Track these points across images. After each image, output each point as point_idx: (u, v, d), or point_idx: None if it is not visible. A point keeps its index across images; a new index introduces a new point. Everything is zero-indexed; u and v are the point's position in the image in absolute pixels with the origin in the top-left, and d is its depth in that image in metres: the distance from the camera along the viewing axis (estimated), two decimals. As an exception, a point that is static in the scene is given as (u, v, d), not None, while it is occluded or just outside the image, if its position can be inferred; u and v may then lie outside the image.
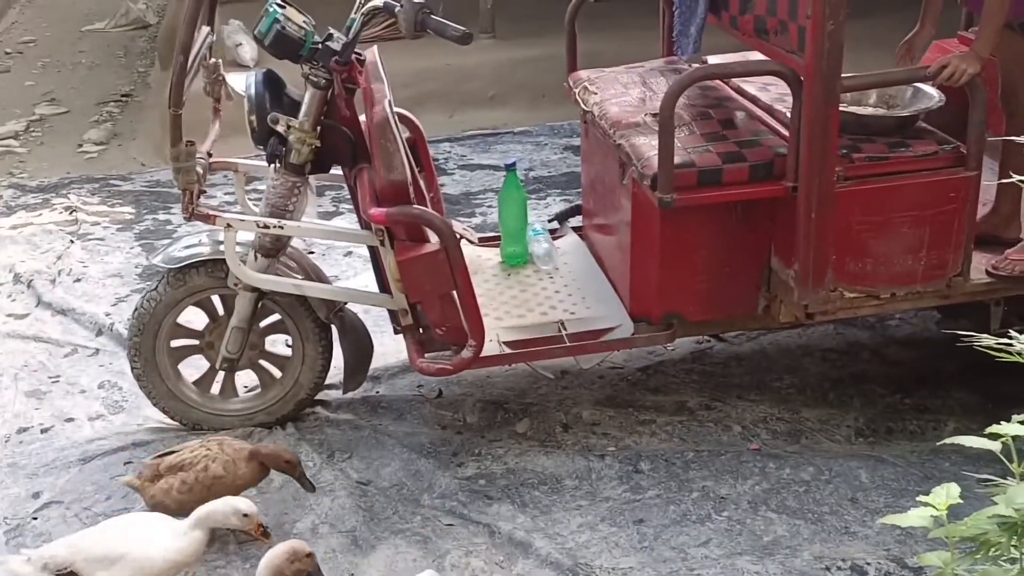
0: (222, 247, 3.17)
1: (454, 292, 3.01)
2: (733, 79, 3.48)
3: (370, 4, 2.98)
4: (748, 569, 2.77)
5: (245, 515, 2.58)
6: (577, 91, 3.60)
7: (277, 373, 3.45)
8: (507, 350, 3.19)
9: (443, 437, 3.36)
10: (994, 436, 1.47)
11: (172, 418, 3.42)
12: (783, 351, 3.82)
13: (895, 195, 2.90)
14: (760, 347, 3.86)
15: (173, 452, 2.91)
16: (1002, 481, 1.48)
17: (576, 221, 3.93)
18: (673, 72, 3.54)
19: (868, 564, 2.76)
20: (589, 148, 3.70)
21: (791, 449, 3.27)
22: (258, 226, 3.10)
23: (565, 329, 3.26)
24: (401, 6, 2.84)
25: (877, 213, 2.91)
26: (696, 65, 3.32)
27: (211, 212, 3.18)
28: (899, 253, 2.94)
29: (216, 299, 3.38)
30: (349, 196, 3.51)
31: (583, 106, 3.54)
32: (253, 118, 3.14)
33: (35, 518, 3.06)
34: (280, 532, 2.88)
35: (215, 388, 3.46)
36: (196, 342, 3.42)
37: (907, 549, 2.80)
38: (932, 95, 3.13)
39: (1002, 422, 1.50)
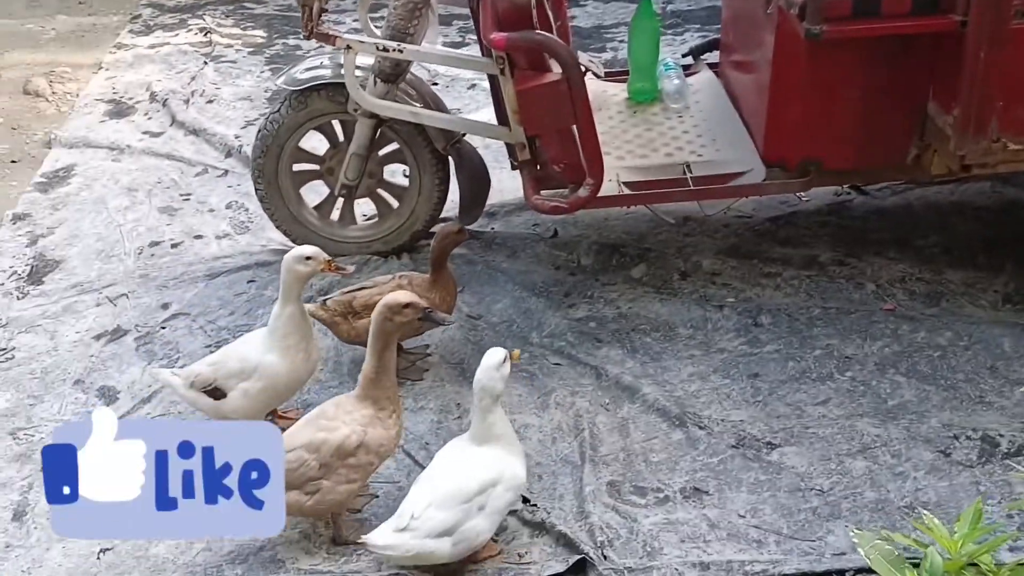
0: (343, 71, 3.09)
1: (574, 127, 2.85)
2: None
3: None
4: (868, 432, 2.64)
5: (308, 258, 2.53)
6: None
7: (394, 203, 3.42)
8: (626, 191, 3.04)
9: (555, 277, 3.29)
10: None
11: (293, 241, 3.44)
12: (930, 207, 3.54)
13: (1081, 34, 2.55)
14: (905, 202, 3.59)
15: (364, 288, 2.82)
16: None
17: (713, 58, 3.67)
18: None
19: (1001, 435, 2.59)
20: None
21: (929, 312, 3.05)
22: (378, 48, 2.99)
23: (691, 172, 3.08)
24: None
25: (1058, 54, 2.56)
26: None
27: (331, 32, 3.09)
28: (1078, 101, 2.61)
29: (337, 125, 3.33)
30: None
31: (730, -74, 3.23)
32: None
33: (163, 327, 3.18)
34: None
35: (335, 214, 3.46)
36: (317, 167, 3.40)
37: (1047, 424, 2.61)
38: None
39: None
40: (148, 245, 3.63)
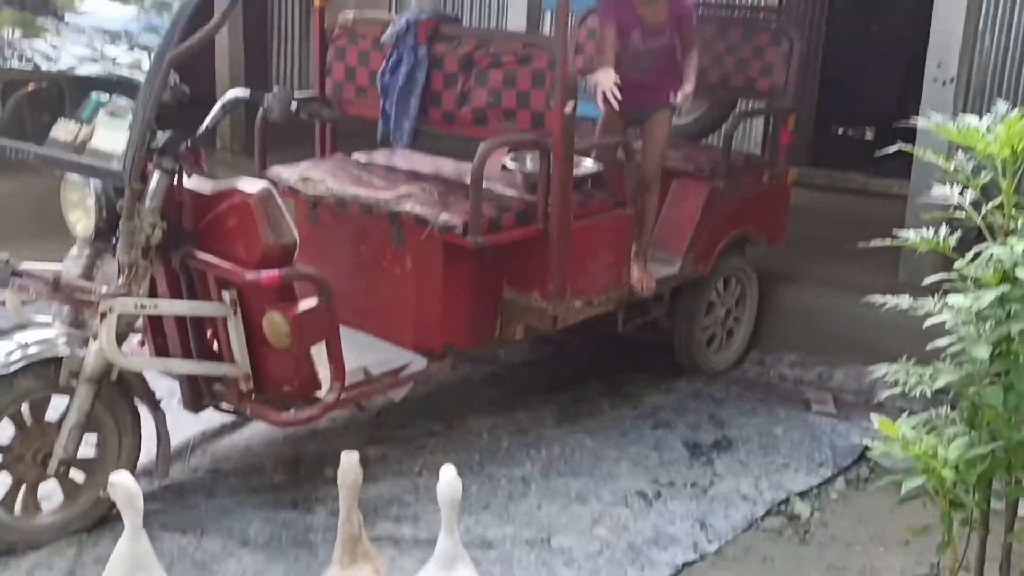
0: (54, 345, 3.03)
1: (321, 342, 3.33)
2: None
3: (232, 96, 3.22)
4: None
5: None
6: (296, 184, 4.04)
7: (80, 477, 3.27)
8: (346, 394, 3.54)
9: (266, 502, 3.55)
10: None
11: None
12: (433, 396, 4.51)
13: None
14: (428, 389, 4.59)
15: None
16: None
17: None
18: (375, 161, 4.31)
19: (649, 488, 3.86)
20: (322, 236, 4.03)
21: (529, 440, 4.18)
22: (136, 307, 3.04)
23: (370, 373, 3.73)
24: (273, 95, 3.13)
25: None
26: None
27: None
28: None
29: (24, 407, 3.12)
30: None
31: (311, 194, 4.00)
32: None
33: None
34: None
35: (17, 506, 3.15)
36: (-2, 459, 3.09)
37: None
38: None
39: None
40: None
